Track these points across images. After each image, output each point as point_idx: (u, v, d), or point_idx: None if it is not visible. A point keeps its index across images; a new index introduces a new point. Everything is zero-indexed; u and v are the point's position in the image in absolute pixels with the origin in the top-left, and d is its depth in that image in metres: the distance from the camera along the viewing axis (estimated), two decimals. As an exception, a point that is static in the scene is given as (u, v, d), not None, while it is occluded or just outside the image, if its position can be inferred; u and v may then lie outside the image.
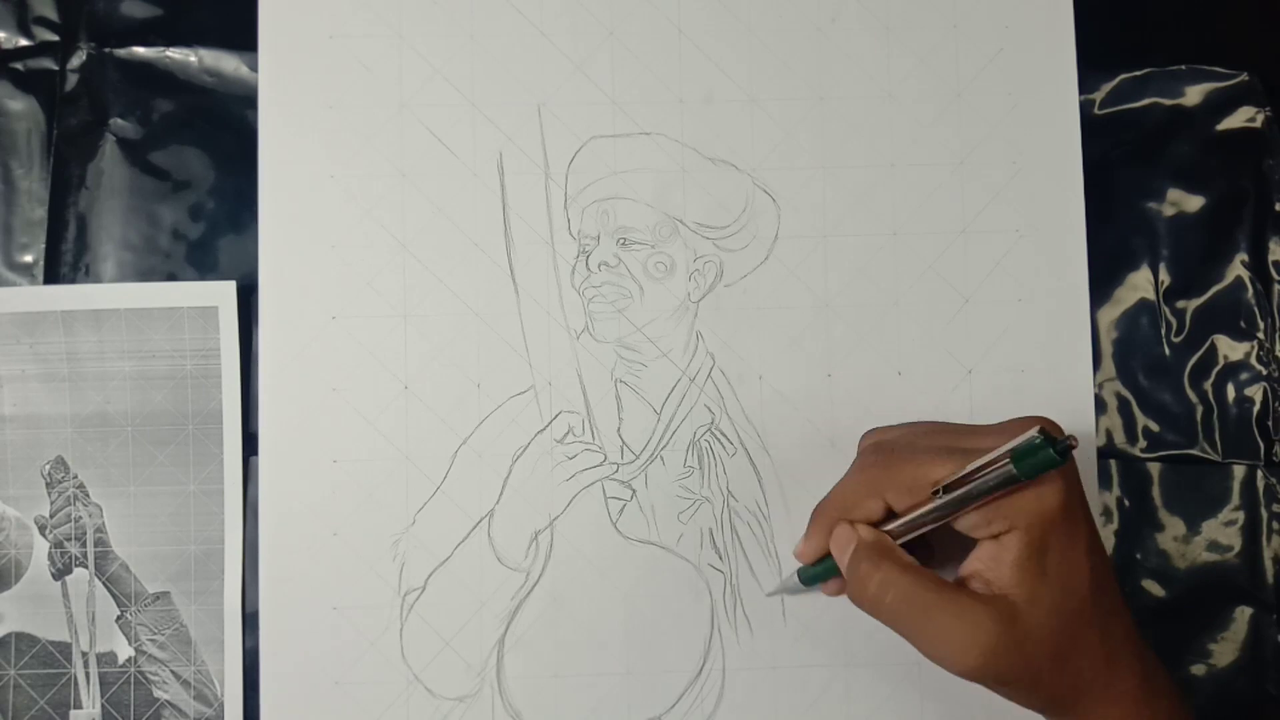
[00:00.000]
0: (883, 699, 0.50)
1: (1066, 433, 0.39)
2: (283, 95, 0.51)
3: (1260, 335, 0.52)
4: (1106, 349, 0.52)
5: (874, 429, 0.46)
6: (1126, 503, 0.51)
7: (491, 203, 0.51)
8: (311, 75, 0.51)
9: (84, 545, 0.49)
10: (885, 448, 0.43)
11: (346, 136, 0.51)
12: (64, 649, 0.49)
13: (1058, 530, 0.39)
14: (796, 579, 0.46)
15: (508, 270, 0.51)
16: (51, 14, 0.52)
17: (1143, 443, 0.51)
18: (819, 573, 0.44)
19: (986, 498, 0.39)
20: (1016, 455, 0.38)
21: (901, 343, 0.51)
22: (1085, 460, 0.51)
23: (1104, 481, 0.51)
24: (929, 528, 0.41)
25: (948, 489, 0.39)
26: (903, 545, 0.42)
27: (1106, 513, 0.51)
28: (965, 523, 0.40)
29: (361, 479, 0.50)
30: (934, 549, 0.44)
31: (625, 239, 0.51)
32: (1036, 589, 0.39)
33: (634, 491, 0.50)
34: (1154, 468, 0.51)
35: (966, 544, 0.41)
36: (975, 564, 0.40)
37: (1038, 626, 0.39)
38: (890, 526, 0.42)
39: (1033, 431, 0.38)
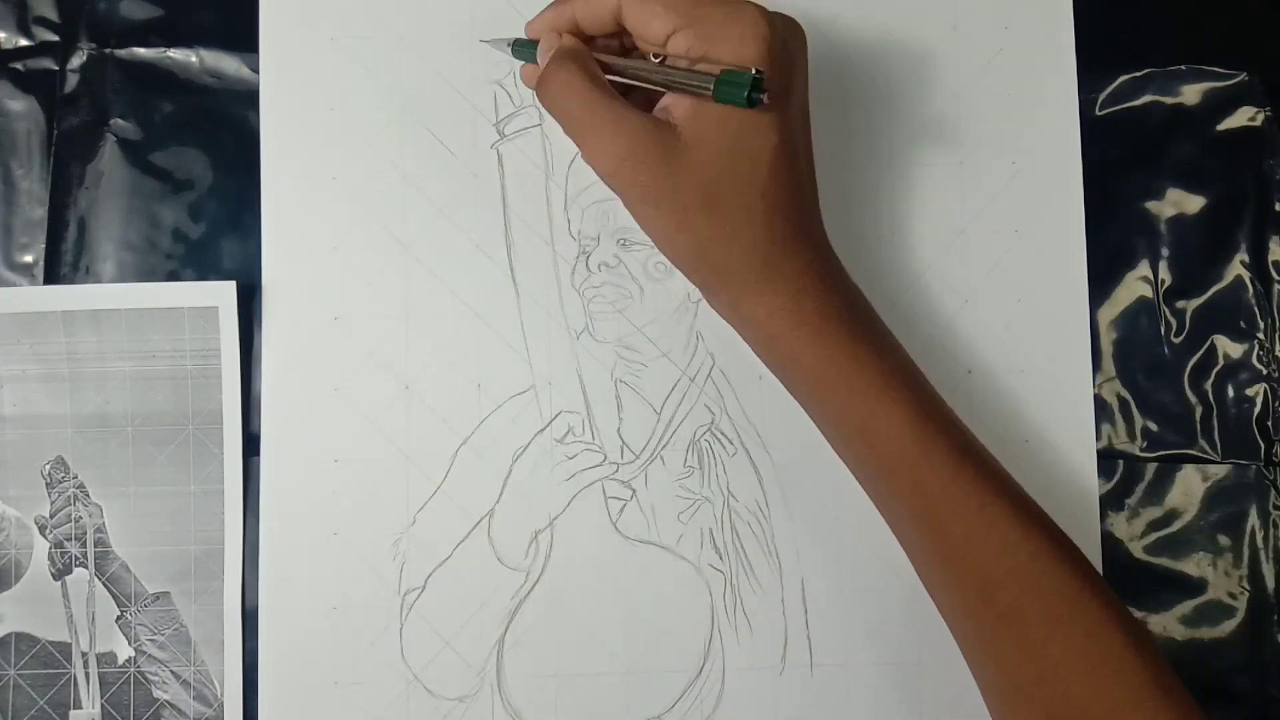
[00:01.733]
0: (882, 699, 0.50)
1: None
2: (284, 97, 0.51)
3: (1260, 335, 0.52)
4: (1106, 349, 0.52)
5: None
6: (1126, 503, 0.51)
7: (492, 203, 0.51)
8: (313, 77, 0.51)
9: (84, 545, 0.49)
10: None
11: (348, 138, 0.51)
12: (64, 649, 0.49)
13: (753, 115, 0.40)
14: (509, 43, 0.46)
15: (508, 270, 0.51)
16: (51, 14, 0.52)
17: (1143, 443, 0.51)
18: (526, 53, 0.45)
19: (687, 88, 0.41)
20: (721, 79, 0.39)
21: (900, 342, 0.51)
22: (1085, 460, 0.51)
23: (1104, 482, 0.51)
24: (636, 82, 0.42)
25: (664, 61, 0.41)
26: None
27: (1106, 513, 0.51)
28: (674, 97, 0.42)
29: (362, 479, 0.50)
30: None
31: (625, 239, 0.51)
32: (705, 128, 0.40)
33: (634, 491, 0.50)
34: (1154, 468, 0.51)
35: None
36: (668, 99, 0.42)
37: (695, 163, 0.40)
38: (605, 59, 0.43)
39: (750, 71, 0.39)
